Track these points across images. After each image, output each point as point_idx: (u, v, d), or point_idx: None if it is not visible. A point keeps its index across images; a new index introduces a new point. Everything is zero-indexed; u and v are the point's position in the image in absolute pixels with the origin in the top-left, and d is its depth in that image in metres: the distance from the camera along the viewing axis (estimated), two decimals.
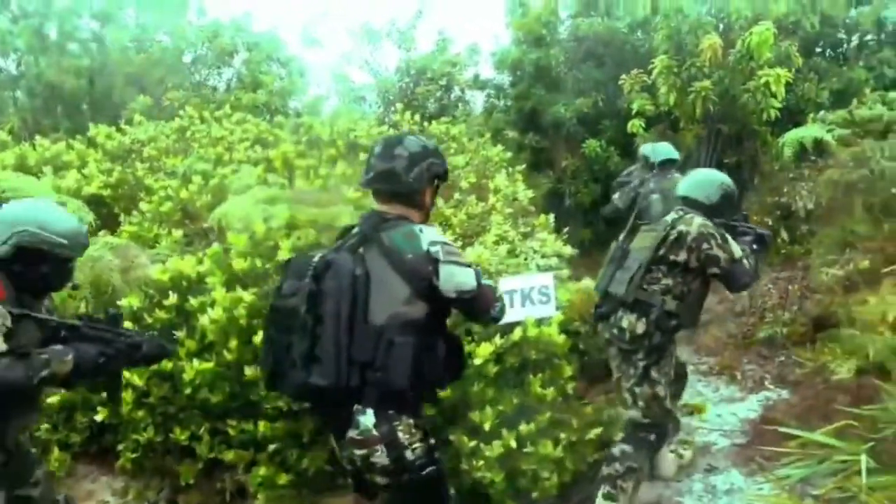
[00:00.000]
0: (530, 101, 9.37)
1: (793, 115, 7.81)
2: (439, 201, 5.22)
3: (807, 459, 3.05)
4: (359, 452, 2.19)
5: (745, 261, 3.18)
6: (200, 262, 3.58)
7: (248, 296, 3.26)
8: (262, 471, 3.20)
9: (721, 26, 7.97)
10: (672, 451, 3.71)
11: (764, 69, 7.15)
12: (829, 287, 5.15)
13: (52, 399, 3.38)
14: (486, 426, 3.13)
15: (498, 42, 10.42)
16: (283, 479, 3.20)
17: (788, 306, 5.46)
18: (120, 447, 3.38)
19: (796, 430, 3.26)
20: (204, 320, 3.27)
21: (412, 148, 2.29)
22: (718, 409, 4.55)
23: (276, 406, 3.22)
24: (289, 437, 3.26)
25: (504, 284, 3.28)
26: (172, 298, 3.40)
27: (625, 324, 3.21)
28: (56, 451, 3.38)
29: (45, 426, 3.41)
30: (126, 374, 3.05)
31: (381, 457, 2.17)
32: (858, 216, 5.40)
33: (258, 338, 3.12)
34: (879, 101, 7.36)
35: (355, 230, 2.32)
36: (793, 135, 6.91)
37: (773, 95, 7.16)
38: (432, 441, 2.28)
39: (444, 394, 3.00)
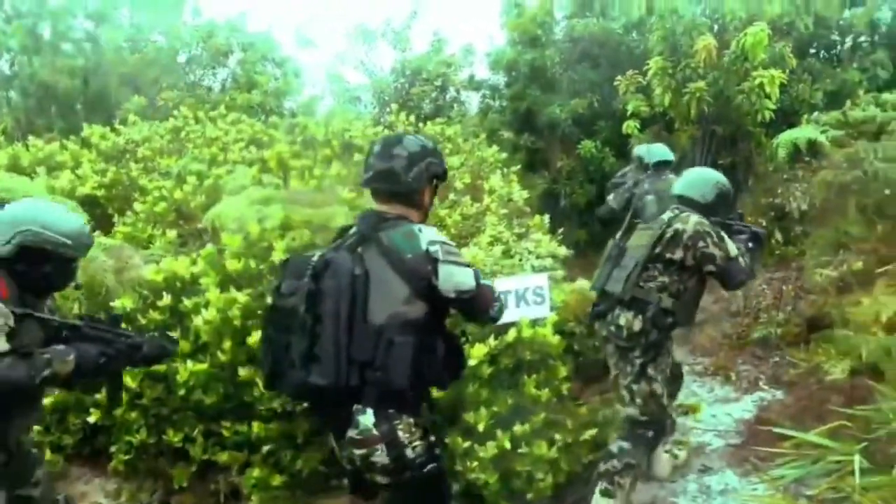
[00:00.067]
0: (525, 101, 9.38)
1: (787, 117, 7.83)
2: (434, 202, 5.21)
3: (801, 460, 3.04)
4: (359, 452, 2.18)
5: (740, 259, 3.20)
6: (194, 262, 3.56)
7: (242, 297, 3.25)
8: (256, 472, 3.19)
9: (715, 27, 8.01)
10: (667, 452, 3.72)
11: (758, 70, 7.18)
12: (822, 288, 5.17)
13: (45, 401, 3.34)
14: (481, 427, 3.13)
15: (493, 43, 10.47)
16: (278, 480, 3.19)
17: (782, 307, 5.48)
18: (113, 449, 3.36)
19: (790, 431, 3.26)
20: (198, 321, 3.25)
21: (411, 147, 2.28)
22: (713, 409, 4.56)
23: (271, 407, 3.20)
24: (283, 439, 3.25)
25: (499, 285, 3.26)
26: (166, 299, 3.38)
27: (622, 321, 3.22)
28: (48, 453, 3.35)
29: (37, 428, 3.37)
30: None
31: (381, 456, 2.16)
32: (852, 217, 5.41)
33: (252, 339, 3.11)
34: (873, 102, 7.37)
35: (353, 230, 2.31)
36: (787, 136, 6.92)
37: (768, 96, 7.19)
38: (432, 438, 2.27)
39: (438, 394, 2.98)
